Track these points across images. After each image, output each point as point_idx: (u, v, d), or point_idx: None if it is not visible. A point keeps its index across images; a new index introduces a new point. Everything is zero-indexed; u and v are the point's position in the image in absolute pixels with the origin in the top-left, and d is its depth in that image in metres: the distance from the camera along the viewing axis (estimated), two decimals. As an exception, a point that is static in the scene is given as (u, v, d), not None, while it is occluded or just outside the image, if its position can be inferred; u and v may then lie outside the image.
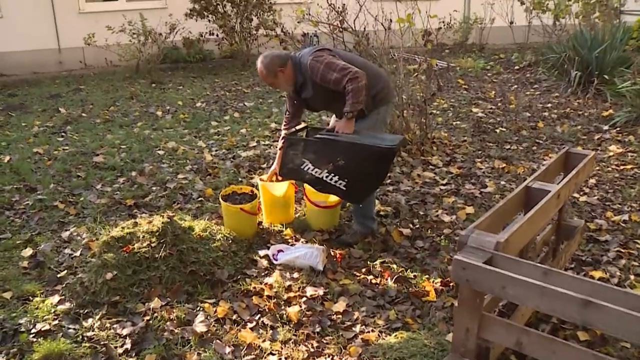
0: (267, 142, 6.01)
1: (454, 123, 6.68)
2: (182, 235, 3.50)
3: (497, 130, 6.44)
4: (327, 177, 3.59)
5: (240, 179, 5.06)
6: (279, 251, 3.77)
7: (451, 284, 3.50)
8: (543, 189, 2.82)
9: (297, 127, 3.94)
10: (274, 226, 4.18)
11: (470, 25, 11.89)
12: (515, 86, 8.69)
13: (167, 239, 3.41)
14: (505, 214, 2.74)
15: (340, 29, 5.32)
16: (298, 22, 5.61)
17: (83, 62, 10.41)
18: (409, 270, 3.65)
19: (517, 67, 10.05)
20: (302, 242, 3.97)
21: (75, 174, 5.20)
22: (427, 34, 5.11)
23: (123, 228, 3.54)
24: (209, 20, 10.03)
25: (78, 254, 3.78)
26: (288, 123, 4.07)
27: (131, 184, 4.97)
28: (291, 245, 3.91)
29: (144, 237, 3.43)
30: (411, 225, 4.24)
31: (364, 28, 5.20)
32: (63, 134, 6.47)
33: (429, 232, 4.18)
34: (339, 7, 5.24)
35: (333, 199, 4.07)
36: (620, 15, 10.54)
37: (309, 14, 5.29)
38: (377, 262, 3.73)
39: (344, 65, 3.52)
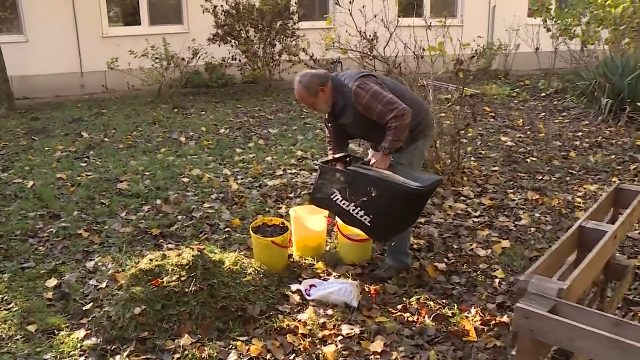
0: (293, 171, 5.90)
1: (483, 152, 6.53)
2: (213, 269, 3.37)
3: (528, 160, 6.29)
4: (354, 210, 3.47)
5: (267, 209, 4.94)
6: (311, 286, 3.63)
7: (492, 323, 3.34)
8: (598, 230, 2.66)
9: (337, 156, 3.82)
10: (305, 259, 4.04)
11: (494, 52, 11.79)
12: (544, 114, 8.54)
13: (198, 273, 3.29)
14: (561, 256, 2.58)
15: (371, 57, 5.23)
16: (327, 50, 5.53)
17: (105, 86, 10.43)
18: (446, 308, 3.49)
19: (543, 95, 9.91)
20: (334, 276, 3.83)
21: (99, 201, 5.11)
22: (459, 63, 5.00)
23: (151, 261, 3.42)
24: (232, 46, 10.03)
25: (104, 285, 3.67)
26: (334, 146, 3.89)
27: (156, 212, 4.87)
28: (324, 280, 3.77)
29: (173, 270, 3.31)
30: (446, 260, 4.09)
31: (396, 56, 5.10)
32: (86, 159, 6.41)
33: (465, 267, 4.02)
34: (370, 35, 5.16)
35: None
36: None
37: (339, 42, 5.21)
38: (414, 298, 3.58)
39: (391, 99, 3.39)
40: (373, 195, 3.38)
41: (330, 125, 3.83)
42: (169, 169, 5.96)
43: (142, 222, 4.66)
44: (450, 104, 5.06)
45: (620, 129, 7.51)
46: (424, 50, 4.87)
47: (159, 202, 5.06)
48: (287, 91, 10.47)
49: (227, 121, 8.13)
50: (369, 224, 3.42)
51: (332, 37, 5.18)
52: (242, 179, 5.71)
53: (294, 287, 3.62)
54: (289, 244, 3.89)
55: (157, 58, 9.46)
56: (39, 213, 4.84)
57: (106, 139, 7.20)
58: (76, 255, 4.14)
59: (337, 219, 4.01)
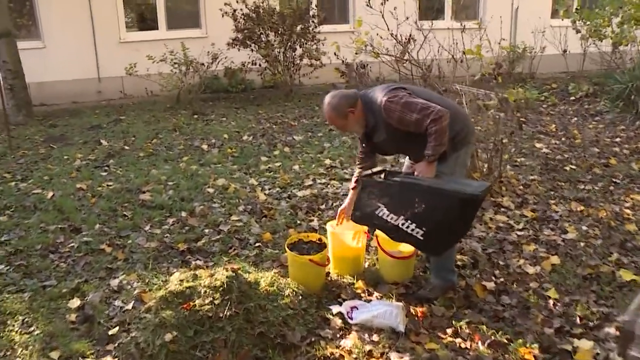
0: (323, 181, 5.64)
1: (518, 160, 6.24)
2: (248, 291, 3.12)
3: (567, 168, 5.98)
4: (403, 224, 3.20)
5: (298, 222, 4.69)
6: (352, 308, 3.37)
7: (552, 351, 3.05)
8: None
9: (374, 170, 3.56)
10: (343, 278, 3.78)
11: (519, 54, 11.47)
12: (575, 118, 8.22)
13: (233, 295, 3.04)
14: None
15: (405, 61, 4.97)
16: (356, 54, 5.28)
17: (122, 91, 10.25)
18: (500, 333, 3.21)
19: (573, 98, 9.57)
20: (376, 296, 3.57)
21: (122, 213, 4.89)
22: (498, 67, 4.73)
23: (182, 281, 3.17)
24: (252, 50, 9.81)
25: (130, 307, 3.43)
26: (362, 162, 3.70)
27: (181, 225, 4.63)
28: (365, 300, 3.51)
29: (205, 292, 3.06)
30: (494, 278, 3.81)
31: (432, 60, 4.84)
32: (106, 168, 6.20)
33: (515, 285, 3.74)
34: (404, 38, 4.91)
35: (408, 248, 3.66)
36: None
37: (371, 45, 4.96)
38: (463, 322, 3.30)
39: (424, 105, 3.16)
40: (424, 205, 3.13)
41: (364, 145, 3.63)
42: (192, 178, 5.73)
43: (167, 236, 4.43)
44: (492, 110, 4.78)
45: (659, 133, 7.20)
46: (464, 53, 4.60)
47: (183, 214, 4.82)
48: (308, 96, 10.25)
49: (249, 127, 7.90)
50: (422, 238, 3.16)
51: (364, 40, 4.91)
52: (269, 189, 5.46)
53: (335, 310, 3.35)
54: (326, 261, 3.63)
55: (175, 63, 9.27)
56: (59, 226, 4.63)
57: (126, 147, 6.99)
58: (99, 272, 3.91)
59: (378, 233, 3.77)
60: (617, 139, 7.06)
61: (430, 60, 4.83)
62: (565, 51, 10.72)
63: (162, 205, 4.99)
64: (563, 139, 7.09)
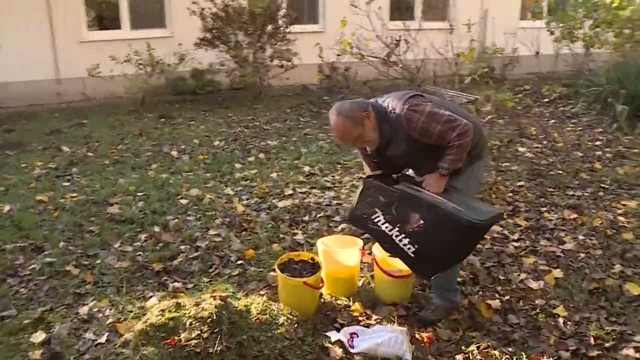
0: (303, 190, 5.33)
1: (503, 165, 6.04)
2: (239, 321, 2.79)
3: (553, 173, 5.82)
4: (396, 236, 2.94)
5: (281, 236, 4.37)
6: (352, 335, 3.07)
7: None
8: None
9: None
10: (338, 299, 3.48)
11: (491, 55, 11.36)
12: (553, 121, 8.09)
13: (223, 327, 2.70)
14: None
15: (391, 63, 4.71)
16: (338, 55, 4.99)
17: (84, 93, 9.72)
18: (514, 358, 2.97)
19: (546, 100, 9.49)
20: (375, 320, 3.28)
21: (88, 229, 4.47)
22: (491, 70, 4.50)
23: (163, 312, 2.81)
24: (220, 50, 9.42)
25: (104, 340, 3.05)
26: (373, 169, 3.35)
27: (155, 241, 4.25)
28: (364, 325, 3.21)
29: (192, 325, 2.71)
30: (497, 295, 3.57)
31: (422, 61, 4.58)
32: (69, 177, 5.75)
33: (520, 303, 3.50)
34: (393, 41, 4.64)
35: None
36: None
37: (357, 46, 4.68)
38: (473, 346, 3.05)
39: (450, 117, 2.89)
40: (422, 222, 2.87)
41: (374, 160, 3.29)
42: (163, 188, 5.34)
43: (139, 254, 4.05)
44: (489, 116, 4.54)
45: (638, 136, 7.11)
46: (458, 55, 4.36)
47: (156, 228, 4.44)
48: (278, 97, 9.96)
49: (220, 132, 7.52)
50: (412, 255, 2.91)
51: (349, 41, 4.63)
52: (247, 199, 5.12)
53: (333, 337, 3.05)
54: (320, 283, 3.32)
55: (140, 64, 8.82)
56: (18, 245, 4.18)
57: (89, 153, 6.53)
58: (66, 299, 3.51)
59: (374, 250, 3.49)
60: (598, 142, 6.94)
61: (421, 62, 4.56)
62: (537, 53, 10.65)
63: (132, 219, 4.60)
64: (545, 142, 6.94)
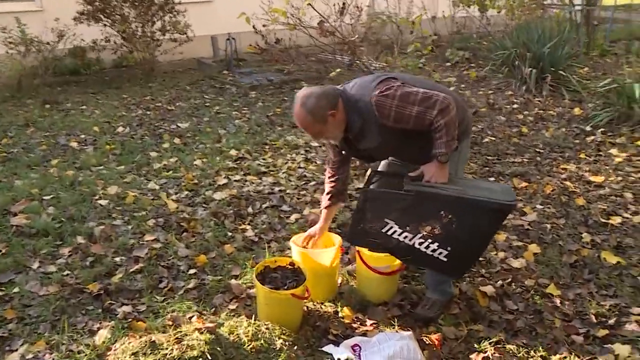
0: (237, 177, 4.77)
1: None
2: (236, 356, 2.29)
3: (487, 140, 5.71)
4: (421, 244, 2.58)
5: (229, 234, 3.84)
6: (353, 346, 2.67)
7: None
8: None
9: (377, 171, 2.86)
10: (322, 305, 3.05)
11: (385, 20, 11.18)
12: (463, 85, 8.06)
13: (220, 367, 2.19)
14: None
15: (327, 33, 4.25)
16: (264, 26, 4.46)
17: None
18: (533, 351, 2.73)
19: (449, 64, 9.46)
20: (370, 324, 2.91)
21: (-9, 248, 3.66)
22: (438, 39, 4.19)
23: (136, 356, 2.24)
24: (105, 25, 8.41)
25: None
26: (335, 174, 2.98)
27: (82, 256, 3.55)
28: (362, 333, 2.82)
29: (178, 368, 2.18)
30: (487, 280, 3.33)
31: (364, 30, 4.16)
32: (-53, 183, 4.76)
33: (512, 286, 3.28)
34: (338, 7, 4.16)
35: (395, 261, 3.02)
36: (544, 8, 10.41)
37: (292, 15, 4.17)
38: (485, 343, 2.77)
39: (425, 94, 2.50)
40: (452, 220, 2.51)
41: (342, 153, 2.90)
42: (73, 188, 4.55)
43: (68, 274, 3.33)
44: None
45: (547, 98, 7.22)
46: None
47: (80, 239, 3.71)
48: (173, 74, 9.19)
49: (120, 116, 6.67)
50: (445, 259, 2.56)
51: (283, 10, 4.10)
52: (176, 194, 4.49)
53: (336, 354, 2.62)
54: (306, 293, 2.86)
55: (10, 42, 7.64)
56: None
57: (-34, 152, 5.49)
58: (-16, 346, 2.78)
59: (355, 246, 3.09)
60: (514, 106, 6.97)
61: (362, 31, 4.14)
62: (434, 17, 10.61)
63: (45, 230, 3.81)
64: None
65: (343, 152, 2.88)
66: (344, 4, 4.23)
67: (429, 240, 2.54)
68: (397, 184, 2.61)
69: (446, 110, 2.49)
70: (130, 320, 2.88)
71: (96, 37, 8.56)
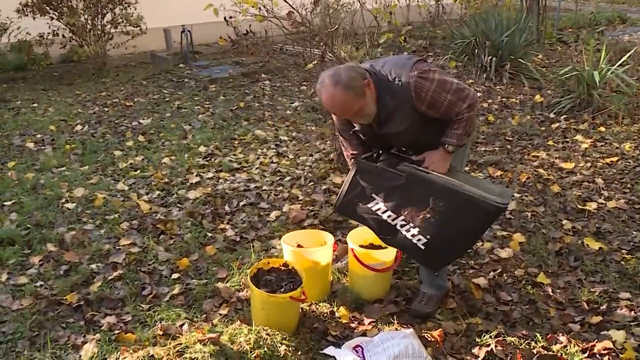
0: (210, 175, 4.61)
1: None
2: (243, 366, 2.17)
3: (456, 129, 5.72)
4: (402, 226, 2.53)
5: (209, 235, 3.70)
6: (355, 347, 2.60)
7: (596, 351, 2.64)
8: None
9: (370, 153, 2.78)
10: (317, 306, 2.96)
11: (337, 10, 11.08)
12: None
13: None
14: None
15: (298, 25, 4.13)
16: (231, 17, 4.31)
17: None
18: (534, 342, 2.72)
19: (406, 53, 9.47)
20: (368, 323, 2.83)
21: (-49, 260, 3.40)
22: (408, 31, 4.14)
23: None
24: (52, 18, 8.01)
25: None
26: (358, 148, 2.80)
27: (55, 264, 3.34)
28: (362, 333, 2.75)
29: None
30: (479, 273, 3.30)
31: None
32: None
33: (504, 277, 3.27)
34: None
35: (389, 257, 2.97)
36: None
37: (264, 6, 4.03)
38: (486, 336, 2.74)
39: (459, 85, 2.50)
40: (439, 209, 2.47)
41: (363, 137, 2.73)
42: (35, 191, 4.29)
43: (41, 286, 3.13)
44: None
45: (507, 86, 7.33)
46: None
47: (51, 246, 3.50)
48: (126, 68, 8.85)
49: (76, 114, 6.36)
50: (422, 247, 2.52)
51: (253, 0, 3.96)
52: (147, 194, 4.30)
53: (339, 357, 2.54)
54: (303, 295, 2.76)
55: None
56: None
57: None
58: (-43, 370, 2.57)
59: (350, 243, 3.01)
60: (478, 94, 7.00)
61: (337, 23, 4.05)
62: (388, 6, 10.59)
63: (11, 239, 3.57)
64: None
65: (363, 137, 2.73)
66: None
67: (410, 225, 2.50)
68: (395, 163, 2.56)
69: (473, 105, 2.51)
70: (116, 332, 2.72)
71: (43, 30, 8.15)
